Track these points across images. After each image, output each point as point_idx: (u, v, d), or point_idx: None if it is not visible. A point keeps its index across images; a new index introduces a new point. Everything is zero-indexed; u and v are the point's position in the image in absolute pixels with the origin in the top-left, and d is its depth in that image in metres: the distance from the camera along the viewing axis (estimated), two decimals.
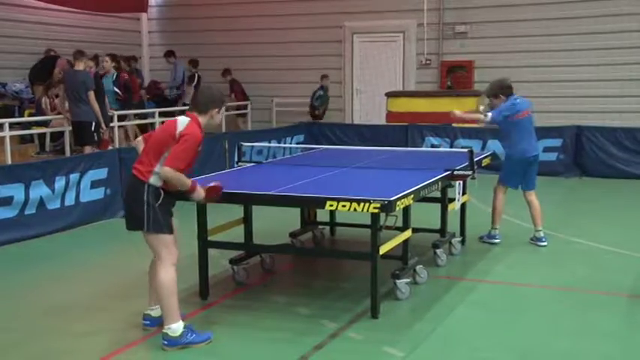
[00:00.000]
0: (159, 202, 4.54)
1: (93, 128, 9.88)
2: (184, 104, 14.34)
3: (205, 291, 5.56)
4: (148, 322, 4.93)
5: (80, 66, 9.93)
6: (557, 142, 11.68)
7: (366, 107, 15.06)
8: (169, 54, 15.12)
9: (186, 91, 14.52)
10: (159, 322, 4.80)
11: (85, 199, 8.38)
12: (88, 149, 9.83)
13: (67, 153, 10.53)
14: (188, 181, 4.61)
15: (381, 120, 13.81)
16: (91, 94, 9.82)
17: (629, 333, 4.84)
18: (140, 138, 4.90)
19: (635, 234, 7.60)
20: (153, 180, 4.51)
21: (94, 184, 8.53)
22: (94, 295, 5.83)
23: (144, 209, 4.53)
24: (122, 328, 5.04)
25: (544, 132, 11.87)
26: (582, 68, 13.11)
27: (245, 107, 14.98)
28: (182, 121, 4.57)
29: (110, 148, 10.21)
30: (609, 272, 6.22)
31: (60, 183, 8.04)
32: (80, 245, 7.62)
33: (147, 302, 4.97)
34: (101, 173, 8.65)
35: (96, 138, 9.99)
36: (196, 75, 14.44)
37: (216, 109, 4.69)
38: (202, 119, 4.64)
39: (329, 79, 14.01)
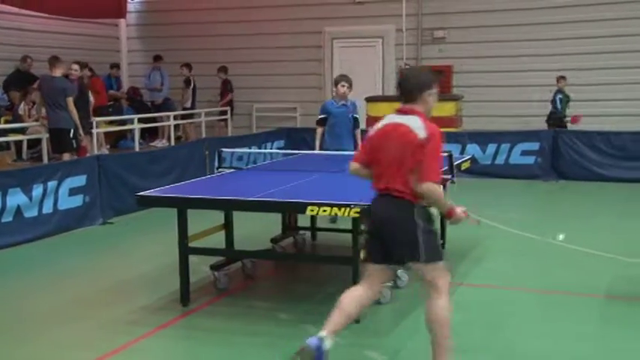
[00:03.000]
0: (432, 225, 3.97)
1: (71, 135, 9.79)
2: (184, 108, 14.35)
3: (186, 297, 5.53)
4: (316, 343, 3.91)
5: (57, 72, 9.84)
6: (534, 146, 11.81)
7: None
8: (157, 58, 15.04)
9: (184, 96, 14.50)
10: (324, 355, 3.91)
11: (63, 207, 8.30)
12: (66, 156, 9.75)
13: (45, 160, 10.43)
14: (447, 201, 3.97)
15: (361, 125, 13.82)
16: (70, 101, 9.74)
17: (605, 333, 4.89)
18: (357, 165, 4.20)
19: (610, 236, 7.69)
20: (423, 201, 3.89)
21: (73, 192, 8.46)
22: (72, 303, 5.78)
23: (417, 236, 3.86)
24: (102, 335, 5.00)
25: (521, 136, 12.03)
26: (558, 73, 13.24)
27: (226, 112, 14.95)
28: (414, 124, 3.90)
29: (88, 154, 10.14)
30: (586, 274, 6.29)
31: (37, 190, 7.96)
32: (58, 253, 7.55)
33: (326, 326, 4.04)
34: (80, 180, 8.57)
35: (74, 145, 9.91)
36: (192, 79, 14.44)
37: (428, 92, 4.01)
38: (419, 108, 4.01)
39: (566, 81, 12.56)
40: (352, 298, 4.08)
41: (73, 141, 9.84)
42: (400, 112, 4.06)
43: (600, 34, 12.91)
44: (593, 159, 11.53)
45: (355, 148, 7.85)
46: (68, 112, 9.70)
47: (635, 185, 10.69)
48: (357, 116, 8.40)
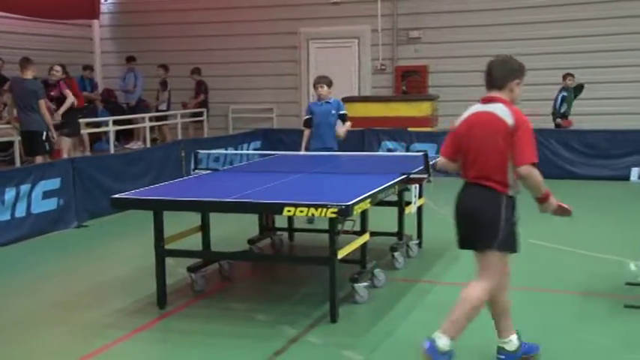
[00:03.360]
0: (515, 216, 4.03)
1: (44, 137, 9.69)
2: (159, 110, 14.25)
3: (163, 300, 5.50)
4: (503, 357, 4.20)
5: (28, 74, 9.73)
6: None
7: None
8: (131, 59, 14.93)
9: (159, 98, 14.41)
10: (515, 356, 4.18)
11: (36, 211, 8.20)
12: (39, 159, 9.64)
13: (17, 163, 10.31)
14: (544, 186, 3.98)
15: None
16: (42, 103, 9.64)
17: (581, 329, 4.95)
18: (444, 160, 4.28)
19: (585, 233, 7.77)
20: (510, 191, 3.99)
21: (46, 195, 8.36)
22: (47, 307, 5.71)
23: (499, 225, 3.95)
24: (77, 339, 4.95)
25: None
26: (534, 72, 13.32)
27: (201, 114, 14.89)
28: (501, 111, 3.96)
29: (65, 156, 10.04)
30: (560, 270, 6.36)
31: (10, 194, 7.85)
32: (32, 257, 7.46)
33: (498, 335, 4.27)
34: (53, 184, 8.48)
35: (47, 148, 9.80)
36: (167, 80, 14.36)
37: (516, 81, 4.09)
38: (504, 96, 4.04)
39: (574, 78, 12.44)
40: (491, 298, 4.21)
41: (46, 144, 9.73)
42: (484, 101, 4.11)
43: (573, 34, 13.06)
44: (566, 157, 11.66)
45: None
46: (40, 114, 9.59)
47: (606, 183, 10.84)
48: (344, 112, 8.42)
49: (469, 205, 4.07)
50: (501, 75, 4.10)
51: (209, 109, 15.03)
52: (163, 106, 14.39)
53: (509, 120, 3.92)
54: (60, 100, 10.57)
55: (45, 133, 9.69)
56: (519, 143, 3.87)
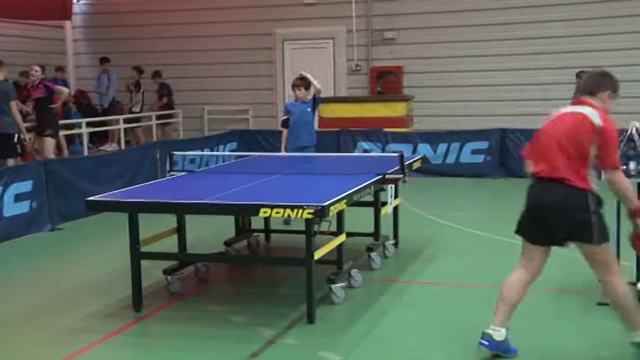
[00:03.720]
0: (602, 208, 4.08)
1: (16, 140, 9.56)
2: (130, 111, 14.13)
3: (139, 303, 5.46)
4: (486, 343, 4.25)
5: (0, 76, 9.62)
6: (483, 145, 12.01)
7: None
8: (104, 61, 14.80)
9: (133, 100, 14.29)
10: (498, 347, 4.25)
11: (8, 214, 8.08)
12: (11, 162, 9.51)
13: None
14: (635, 197, 4.11)
15: (315, 124, 13.89)
16: (13, 105, 9.52)
17: (554, 327, 5.01)
18: (530, 161, 4.31)
19: None
20: (592, 188, 4.05)
21: (19, 198, 8.24)
22: (20, 311, 5.64)
23: (590, 220, 4.02)
24: (51, 344, 4.89)
25: (471, 135, 12.22)
26: (507, 73, 13.51)
27: (170, 116, 14.73)
28: (591, 113, 4.06)
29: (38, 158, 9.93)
30: None
31: None
32: (5, 261, 7.35)
33: (492, 321, 4.31)
34: (26, 186, 8.37)
35: (19, 150, 9.68)
36: (141, 82, 14.25)
37: (608, 92, 4.17)
38: (596, 102, 4.14)
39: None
40: (510, 285, 4.34)
41: (18, 146, 9.61)
42: (575, 103, 4.25)
43: (550, 34, 13.19)
44: None
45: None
46: (11, 116, 9.47)
47: None
48: (316, 96, 8.43)
49: (548, 200, 4.13)
50: (594, 82, 4.24)
51: (174, 110, 14.88)
52: (137, 108, 14.29)
53: (597, 121, 4.04)
54: (44, 100, 10.41)
55: (17, 136, 9.56)
56: (605, 147, 4.01)
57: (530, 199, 4.29)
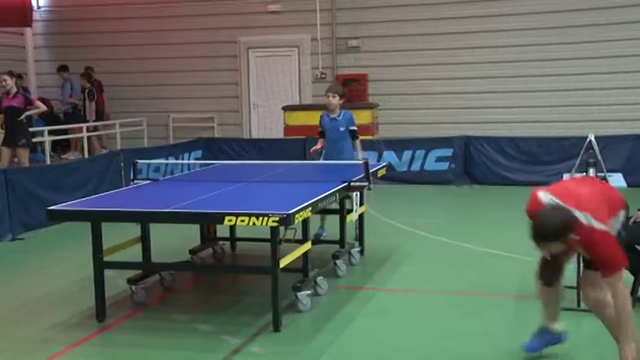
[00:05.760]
0: None
1: None
2: (86, 120, 13.90)
3: (102, 313, 5.39)
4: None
5: None
6: (447, 152, 12.15)
7: (264, 121, 15.11)
8: (63, 69, 14.60)
9: (87, 108, 14.06)
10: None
11: None
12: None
13: None
14: None
15: (279, 134, 13.90)
16: None
17: (515, 332, 5.07)
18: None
19: (519, 238, 7.89)
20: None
21: None
22: None
23: None
24: (10, 356, 4.81)
25: (435, 142, 12.35)
26: (469, 81, 13.70)
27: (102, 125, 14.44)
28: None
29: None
30: (497, 275, 6.51)
31: None
32: None
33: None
34: None
35: None
36: (93, 90, 14.05)
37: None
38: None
39: None
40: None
41: None
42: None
43: (510, 43, 13.41)
44: (502, 164, 11.96)
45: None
46: None
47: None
48: (354, 128, 7.77)
49: None
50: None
51: (107, 119, 14.60)
52: (93, 117, 14.02)
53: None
54: (18, 110, 10.22)
55: None
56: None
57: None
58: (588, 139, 5.30)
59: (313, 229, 5.86)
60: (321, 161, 7.96)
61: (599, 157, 5.27)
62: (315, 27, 14.32)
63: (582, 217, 3.93)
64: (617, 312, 4.02)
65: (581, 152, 5.38)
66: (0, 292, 6.45)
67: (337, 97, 7.71)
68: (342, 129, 7.72)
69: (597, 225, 3.93)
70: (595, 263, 4.07)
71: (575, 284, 5.37)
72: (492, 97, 13.61)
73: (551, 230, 3.91)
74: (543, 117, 13.26)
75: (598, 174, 5.29)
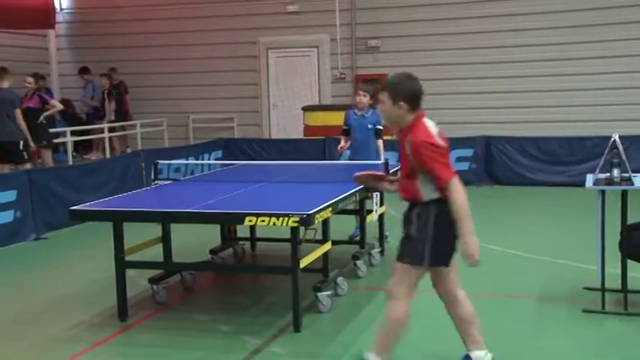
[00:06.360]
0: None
1: (22, 147, 9.58)
2: (110, 121, 14.03)
3: (124, 312, 5.43)
4: None
5: (5, 84, 9.62)
6: (468, 152, 12.07)
7: (284, 122, 15.13)
8: (84, 71, 14.76)
9: (107, 108, 14.19)
10: None
11: None
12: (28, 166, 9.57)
13: None
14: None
15: (298, 134, 13.91)
16: (18, 112, 9.53)
17: (540, 335, 5.03)
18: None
19: (542, 239, 7.93)
20: None
21: (3, 207, 8.19)
22: (3, 321, 5.58)
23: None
24: (35, 354, 4.86)
25: (456, 142, 12.26)
26: (490, 80, 13.61)
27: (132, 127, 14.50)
28: None
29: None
30: (519, 276, 6.46)
31: None
32: None
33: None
34: (10, 195, 8.31)
35: (26, 157, 9.70)
36: (113, 90, 14.18)
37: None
38: None
39: None
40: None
41: (24, 153, 9.63)
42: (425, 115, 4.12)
43: (531, 42, 13.30)
44: (524, 164, 11.87)
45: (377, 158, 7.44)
46: (16, 123, 9.48)
47: (561, 189, 11.04)
48: (380, 127, 7.71)
49: None
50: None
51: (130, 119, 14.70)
52: (112, 117, 14.15)
53: None
54: (36, 111, 10.38)
55: (22, 143, 9.58)
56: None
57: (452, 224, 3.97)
58: (612, 139, 5.23)
59: (333, 230, 5.84)
60: (341, 161, 7.94)
61: (624, 157, 5.20)
62: (335, 27, 14.31)
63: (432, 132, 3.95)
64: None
65: (605, 152, 5.31)
66: (23, 291, 6.53)
67: (368, 97, 7.70)
68: (369, 127, 7.70)
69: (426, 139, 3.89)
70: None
71: (599, 286, 5.32)
72: (513, 97, 13.50)
73: (392, 80, 4.05)
74: (564, 117, 13.12)
75: (622, 174, 5.22)
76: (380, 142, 7.80)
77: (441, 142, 4.00)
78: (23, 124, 9.60)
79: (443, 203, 3.94)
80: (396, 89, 4.06)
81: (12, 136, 9.52)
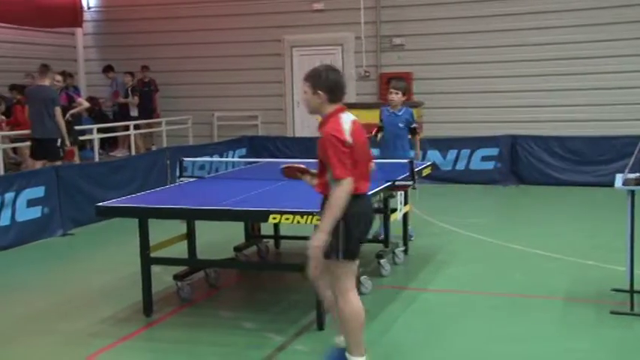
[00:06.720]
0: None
1: (59, 144, 9.73)
2: (132, 118, 14.18)
3: (149, 308, 5.48)
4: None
5: (46, 81, 9.77)
6: (493, 152, 11.98)
7: (308, 120, 15.09)
8: (108, 69, 14.93)
9: (131, 105, 14.32)
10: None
11: (21, 219, 8.14)
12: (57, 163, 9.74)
13: (1, 171, 10.24)
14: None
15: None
16: (58, 110, 9.67)
17: (567, 336, 4.98)
18: (352, 184, 3.99)
19: (568, 238, 7.84)
20: None
21: (31, 203, 8.30)
22: (31, 316, 5.66)
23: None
24: (62, 349, 4.91)
25: (481, 141, 12.20)
26: (515, 79, 13.49)
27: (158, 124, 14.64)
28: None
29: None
30: (545, 276, 6.39)
31: None
32: (16, 266, 7.40)
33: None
34: (38, 192, 8.43)
35: (61, 154, 9.86)
36: (136, 87, 14.32)
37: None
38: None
39: None
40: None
41: (60, 150, 9.78)
42: (344, 110, 4.24)
43: (557, 40, 13.17)
44: (550, 163, 11.74)
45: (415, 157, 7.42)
46: (55, 121, 9.62)
47: (588, 189, 10.91)
48: (415, 125, 7.72)
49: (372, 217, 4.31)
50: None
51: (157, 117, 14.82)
52: (134, 113, 14.27)
53: None
54: (64, 109, 10.55)
55: (59, 141, 9.72)
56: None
57: (367, 218, 4.21)
58: None
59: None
60: None
61: None
62: (359, 25, 14.28)
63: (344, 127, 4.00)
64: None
65: (636, 151, 5.23)
66: (51, 286, 6.61)
67: (400, 94, 7.65)
68: (401, 125, 7.65)
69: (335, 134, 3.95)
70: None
71: (628, 288, 5.25)
72: (539, 96, 13.38)
73: (314, 71, 4.08)
74: (591, 116, 12.97)
75: None
76: (417, 139, 7.78)
77: (349, 139, 4.02)
78: (62, 122, 9.74)
79: (353, 199, 3.98)
80: (316, 79, 4.13)
81: (51, 133, 9.65)
